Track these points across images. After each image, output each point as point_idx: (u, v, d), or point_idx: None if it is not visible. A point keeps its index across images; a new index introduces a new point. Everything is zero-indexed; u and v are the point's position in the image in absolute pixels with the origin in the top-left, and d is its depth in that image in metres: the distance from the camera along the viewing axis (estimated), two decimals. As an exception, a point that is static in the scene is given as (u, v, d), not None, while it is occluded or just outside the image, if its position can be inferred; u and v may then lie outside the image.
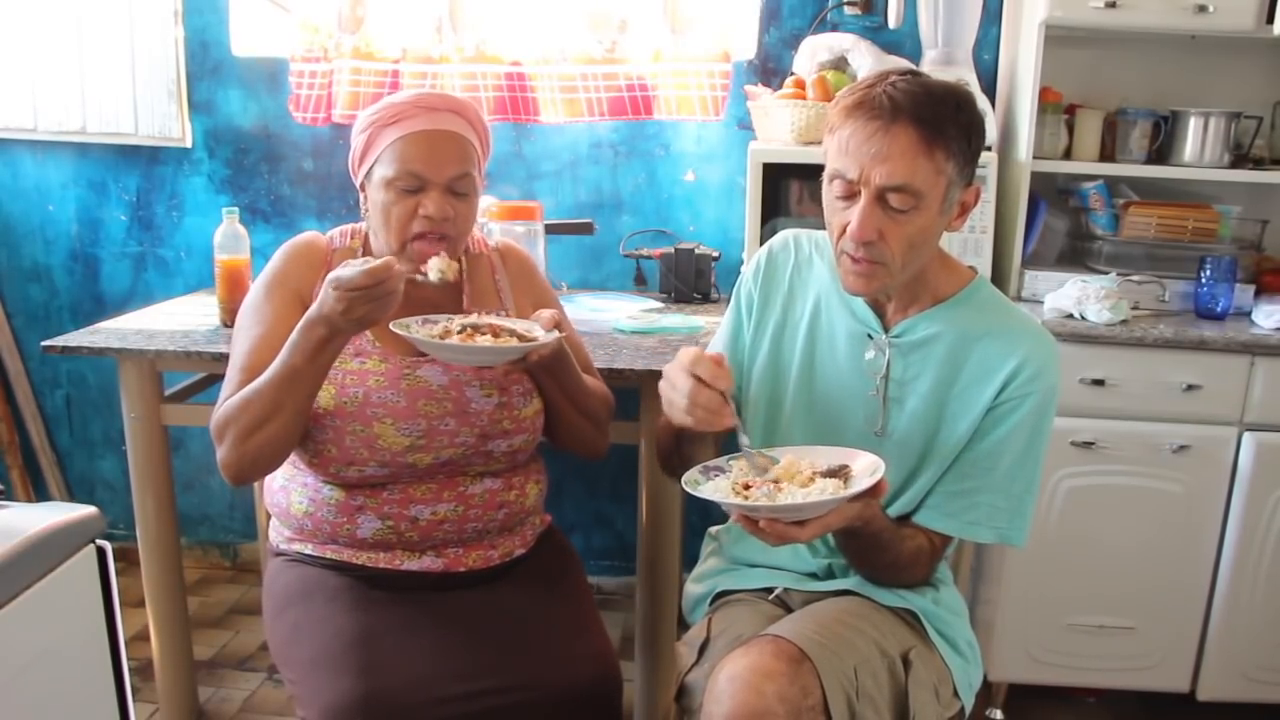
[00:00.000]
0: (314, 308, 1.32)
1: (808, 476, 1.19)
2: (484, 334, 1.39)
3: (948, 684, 1.36)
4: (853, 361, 1.38)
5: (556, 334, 1.43)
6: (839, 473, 1.19)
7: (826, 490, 1.15)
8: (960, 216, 1.30)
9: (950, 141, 1.21)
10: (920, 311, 1.36)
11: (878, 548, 1.31)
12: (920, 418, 1.35)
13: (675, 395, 1.21)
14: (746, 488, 1.17)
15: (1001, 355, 1.31)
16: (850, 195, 1.24)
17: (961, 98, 1.24)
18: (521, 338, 1.40)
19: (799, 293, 1.44)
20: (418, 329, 1.40)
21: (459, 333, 1.39)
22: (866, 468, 1.19)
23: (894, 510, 1.37)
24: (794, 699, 1.16)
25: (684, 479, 1.22)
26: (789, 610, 1.42)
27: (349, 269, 1.27)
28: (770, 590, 1.46)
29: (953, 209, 1.28)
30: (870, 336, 1.37)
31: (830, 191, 1.27)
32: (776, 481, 1.18)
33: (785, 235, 1.49)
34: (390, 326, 1.38)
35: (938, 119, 1.20)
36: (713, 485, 1.21)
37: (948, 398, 1.34)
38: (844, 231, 1.25)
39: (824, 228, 1.39)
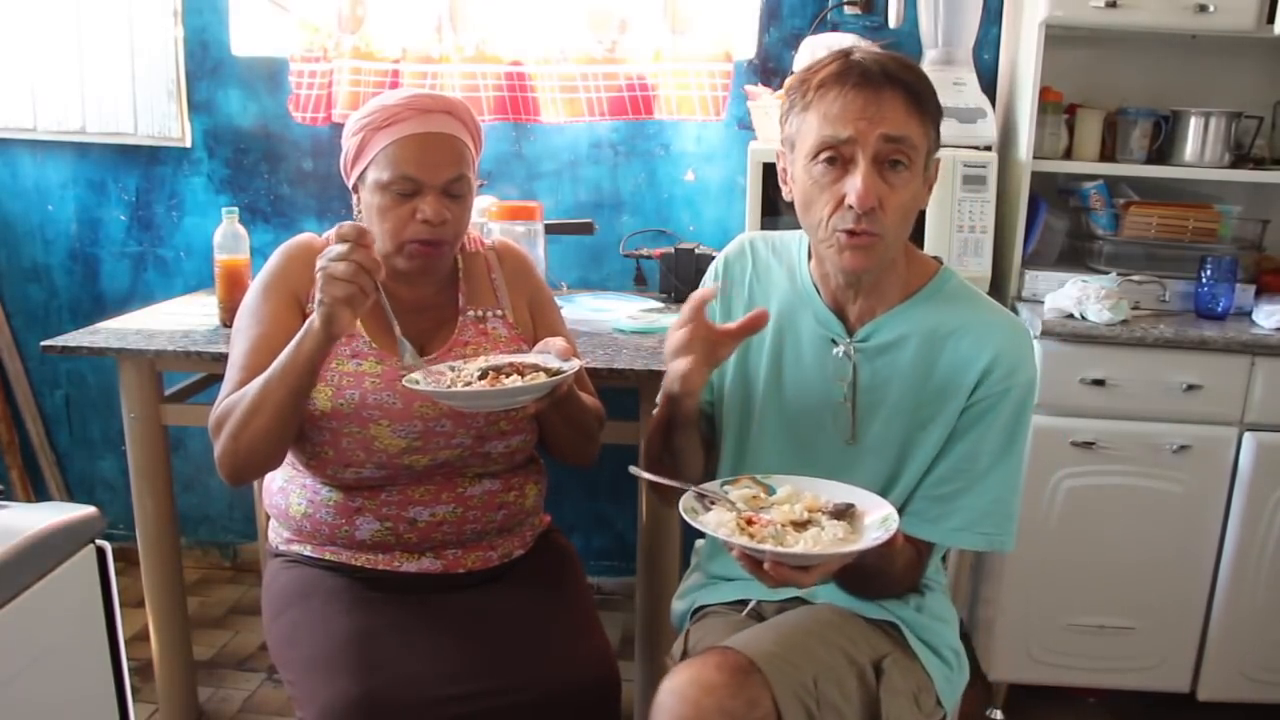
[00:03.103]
0: None
1: (807, 515, 1.15)
2: (506, 374, 1.34)
3: (929, 691, 1.33)
4: (819, 369, 1.34)
5: (576, 362, 1.40)
6: (845, 514, 1.15)
7: (836, 533, 1.11)
8: (928, 190, 1.28)
9: (929, 107, 1.22)
10: (886, 311, 1.32)
11: (874, 576, 1.28)
12: (893, 423, 1.31)
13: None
14: (750, 523, 1.12)
15: (973, 353, 1.28)
16: (842, 163, 1.20)
17: (922, 71, 1.25)
18: (544, 370, 1.36)
19: (760, 301, 1.38)
20: (427, 384, 1.34)
21: (481, 378, 1.34)
22: (875, 510, 1.16)
23: None
24: (737, 711, 1.13)
25: (681, 505, 1.17)
26: (762, 621, 1.39)
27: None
28: (745, 603, 1.43)
29: (926, 181, 1.26)
30: (834, 342, 1.33)
31: (813, 168, 1.22)
32: (770, 522, 1.13)
33: (740, 240, 1.45)
34: (403, 383, 1.36)
35: (920, 84, 1.21)
36: (715, 517, 1.14)
37: (920, 400, 1.30)
38: (836, 207, 1.21)
39: None
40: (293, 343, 1.34)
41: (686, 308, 1.21)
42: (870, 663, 1.28)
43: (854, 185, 1.19)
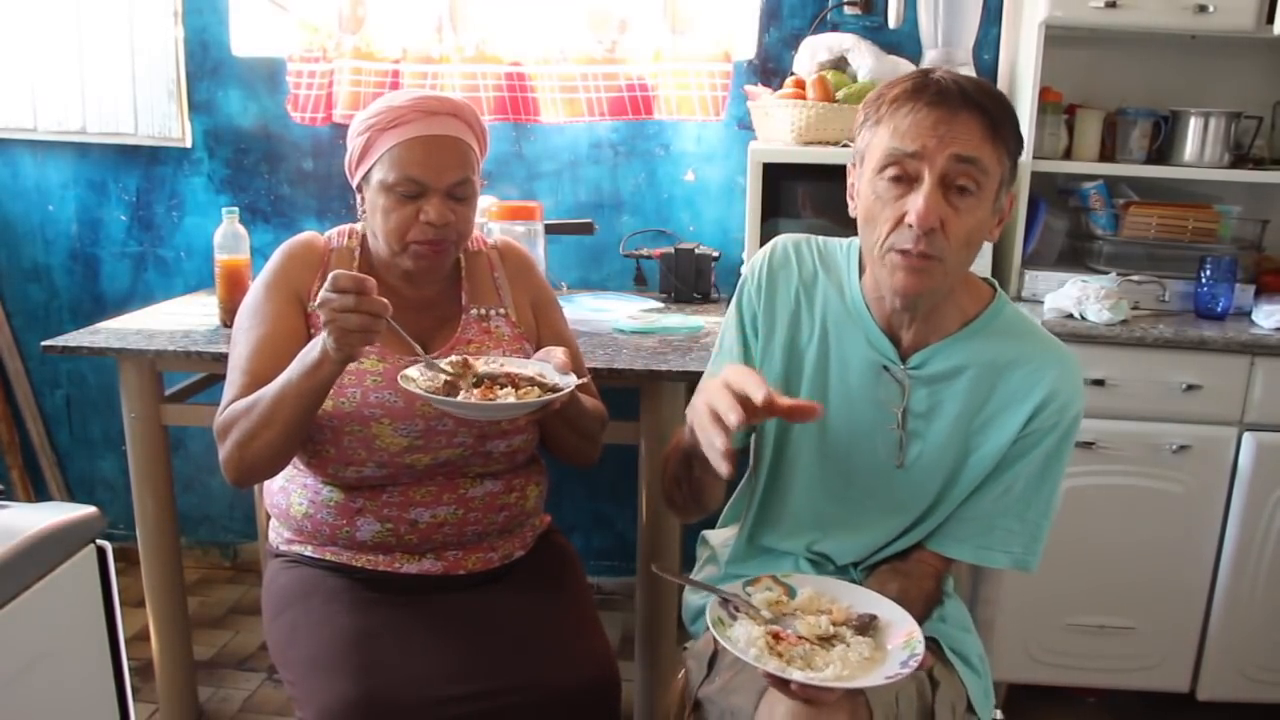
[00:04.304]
0: None
1: (830, 628, 1.13)
2: (501, 385, 1.35)
3: (962, 699, 1.33)
4: (867, 392, 1.31)
5: (573, 378, 1.39)
6: (869, 627, 1.14)
7: (863, 652, 1.10)
8: (999, 224, 1.24)
9: (1008, 135, 1.17)
10: (941, 339, 1.29)
11: None
12: (943, 449, 1.30)
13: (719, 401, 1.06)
14: (777, 639, 1.10)
15: (1029, 386, 1.26)
16: (908, 180, 1.16)
17: (1006, 97, 1.21)
18: (540, 385, 1.36)
19: (805, 313, 1.34)
20: (424, 381, 1.35)
21: (475, 386, 1.35)
22: (898, 625, 1.14)
23: (911, 538, 1.35)
24: None
25: (709, 617, 1.12)
26: None
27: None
28: None
29: (997, 212, 1.22)
30: (887, 368, 1.30)
31: (878, 182, 1.18)
32: (800, 640, 1.11)
33: (785, 244, 1.38)
34: (399, 380, 1.35)
35: (1000, 110, 1.17)
36: (743, 633, 1.11)
37: (972, 428, 1.29)
38: (896, 224, 1.17)
39: (826, 232, 1.33)
40: (303, 366, 1.32)
41: (748, 388, 1.04)
42: (925, 673, 1.27)
43: (915, 203, 1.15)
